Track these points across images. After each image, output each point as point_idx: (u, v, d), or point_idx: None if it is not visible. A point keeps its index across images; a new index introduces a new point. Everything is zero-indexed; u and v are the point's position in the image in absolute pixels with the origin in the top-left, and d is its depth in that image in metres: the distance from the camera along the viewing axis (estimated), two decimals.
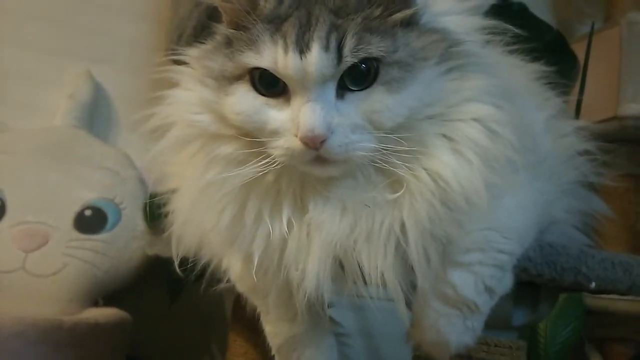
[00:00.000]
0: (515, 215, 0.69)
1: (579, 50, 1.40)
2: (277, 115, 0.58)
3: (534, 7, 1.44)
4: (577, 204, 0.85)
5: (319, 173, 0.59)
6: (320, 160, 0.57)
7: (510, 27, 0.69)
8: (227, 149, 0.62)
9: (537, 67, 0.83)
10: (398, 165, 0.58)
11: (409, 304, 0.66)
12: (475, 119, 0.60)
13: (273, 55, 0.56)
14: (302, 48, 0.55)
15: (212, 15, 0.64)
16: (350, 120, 0.56)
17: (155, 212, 1.26)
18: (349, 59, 0.55)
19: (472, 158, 0.59)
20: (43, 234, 1.28)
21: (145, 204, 1.36)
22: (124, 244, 1.33)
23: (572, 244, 0.81)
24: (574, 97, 1.28)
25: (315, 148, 0.55)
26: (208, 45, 0.64)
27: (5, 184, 1.32)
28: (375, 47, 0.55)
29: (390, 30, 0.56)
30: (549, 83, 0.85)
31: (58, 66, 1.54)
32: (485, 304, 0.68)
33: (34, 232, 1.28)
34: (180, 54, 0.68)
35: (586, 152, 0.85)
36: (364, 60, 0.55)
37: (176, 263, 0.74)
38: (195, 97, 0.65)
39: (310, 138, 0.55)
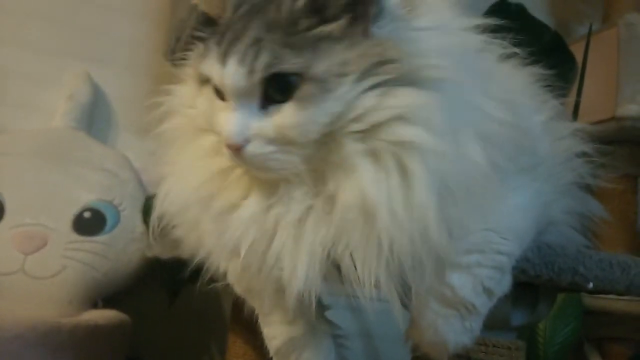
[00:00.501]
0: (514, 217, 0.69)
1: (577, 51, 1.41)
2: (220, 118, 0.61)
3: (532, 8, 1.45)
4: (575, 205, 0.85)
5: (255, 175, 0.62)
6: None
7: (505, 40, 0.69)
8: (209, 139, 0.65)
9: (535, 70, 0.83)
10: (327, 180, 0.60)
11: (404, 304, 0.66)
12: (398, 141, 0.57)
13: (210, 64, 0.60)
14: (224, 60, 0.58)
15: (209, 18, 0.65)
16: (265, 132, 0.58)
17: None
18: (258, 74, 0.56)
19: (393, 178, 0.58)
20: (42, 236, 1.28)
21: (144, 205, 1.36)
22: (123, 245, 1.33)
23: (570, 245, 0.82)
24: (572, 98, 1.28)
25: (237, 154, 0.59)
26: (199, 47, 0.65)
27: (3, 186, 1.32)
28: (289, 62, 0.56)
29: (312, 44, 0.56)
30: (547, 86, 0.85)
31: (57, 67, 1.54)
32: (484, 305, 0.67)
33: (32, 234, 1.28)
34: (182, 55, 0.69)
35: (584, 154, 0.85)
36: (280, 74, 0.56)
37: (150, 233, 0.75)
38: (189, 93, 0.68)
39: (227, 145, 0.58)
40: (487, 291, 0.67)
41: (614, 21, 1.58)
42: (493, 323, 0.70)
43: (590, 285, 0.77)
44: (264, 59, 0.56)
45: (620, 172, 1.46)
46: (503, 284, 0.69)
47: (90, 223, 1.32)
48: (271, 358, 0.79)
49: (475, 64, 0.63)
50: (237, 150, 0.58)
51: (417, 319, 0.68)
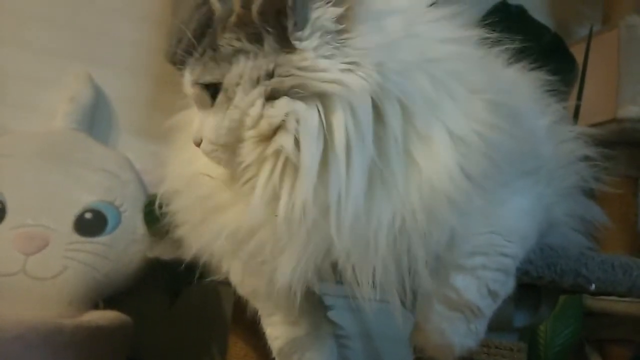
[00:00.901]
0: (517, 219, 0.69)
1: (578, 52, 1.41)
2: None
3: (532, 9, 1.45)
4: (577, 208, 0.86)
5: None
6: None
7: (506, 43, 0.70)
8: None
9: (539, 75, 0.84)
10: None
11: (404, 305, 0.66)
12: (280, 150, 0.60)
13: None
14: (184, 73, 0.66)
15: (211, 19, 0.65)
16: (205, 133, 0.65)
17: (155, 215, 1.26)
18: (196, 84, 0.64)
19: (282, 187, 0.60)
20: (43, 236, 1.28)
21: (145, 206, 1.36)
22: (124, 246, 1.33)
23: (572, 247, 0.82)
24: (572, 102, 1.28)
25: None
26: None
27: (5, 187, 1.32)
28: (210, 74, 0.63)
29: (230, 57, 0.61)
30: (550, 90, 0.85)
31: (58, 68, 1.54)
32: (489, 307, 0.68)
33: (34, 235, 1.28)
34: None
35: (586, 158, 0.85)
36: (209, 84, 0.63)
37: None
38: None
39: (194, 143, 0.66)
40: (492, 293, 0.67)
41: (615, 23, 1.58)
42: (495, 324, 0.70)
43: (593, 287, 0.77)
44: (196, 71, 0.64)
45: (621, 173, 1.46)
46: (507, 286, 0.69)
47: (91, 224, 1.32)
48: (273, 359, 0.79)
49: (444, 73, 0.62)
50: (198, 146, 0.65)
51: (422, 322, 0.68)
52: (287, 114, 0.59)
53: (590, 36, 1.46)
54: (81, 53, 1.57)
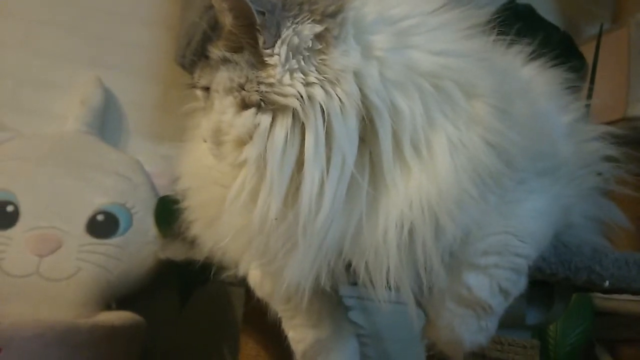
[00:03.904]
0: (533, 220, 0.69)
1: (587, 51, 1.41)
2: None
3: (540, 8, 1.45)
4: (595, 211, 0.85)
5: None
6: None
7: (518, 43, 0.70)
8: None
9: (558, 72, 0.83)
10: None
11: (419, 303, 0.66)
12: (247, 158, 0.61)
13: None
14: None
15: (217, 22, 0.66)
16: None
17: (167, 216, 1.27)
18: (197, 87, 0.68)
19: (245, 190, 0.62)
20: (56, 238, 1.29)
21: (156, 208, 1.37)
22: (136, 248, 1.34)
23: (586, 244, 0.81)
24: (582, 101, 1.27)
25: None
26: None
27: (18, 190, 1.33)
28: (203, 79, 0.66)
29: (217, 65, 0.64)
30: (570, 87, 0.85)
31: (69, 72, 1.56)
32: (500, 305, 0.68)
33: (47, 237, 1.29)
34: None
35: (609, 158, 0.85)
36: (205, 88, 0.66)
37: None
38: None
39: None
40: (504, 292, 0.67)
41: (624, 21, 1.57)
42: (508, 321, 0.70)
43: (607, 283, 0.77)
44: (197, 75, 0.68)
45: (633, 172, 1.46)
46: (519, 285, 0.69)
47: (103, 226, 1.33)
48: None
49: (433, 86, 0.62)
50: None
51: (434, 318, 0.68)
52: (253, 126, 0.60)
53: (600, 35, 1.46)
54: (91, 57, 1.59)
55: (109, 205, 1.36)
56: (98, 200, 1.36)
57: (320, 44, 0.59)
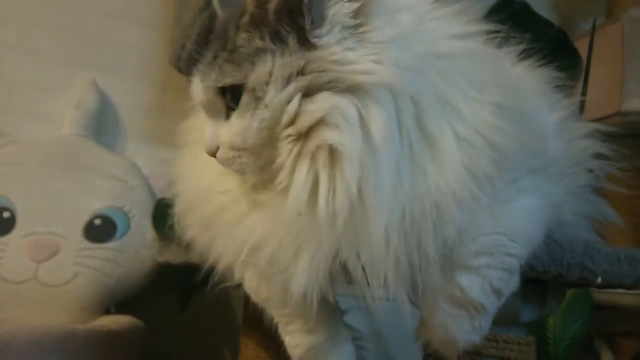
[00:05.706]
0: (523, 219, 0.69)
1: (582, 47, 1.41)
2: (204, 130, 0.67)
3: (535, 4, 1.44)
4: (586, 209, 0.85)
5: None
6: None
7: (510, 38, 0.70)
8: None
9: (547, 72, 0.84)
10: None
11: (413, 302, 0.67)
12: (322, 144, 0.59)
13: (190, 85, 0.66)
14: (192, 80, 0.65)
15: (214, 23, 0.65)
16: (222, 140, 0.64)
17: (164, 219, 1.27)
18: (211, 89, 0.63)
19: (323, 179, 0.60)
20: (53, 244, 1.29)
21: (154, 211, 1.37)
22: (134, 251, 1.34)
23: (578, 241, 0.82)
24: (577, 96, 1.27)
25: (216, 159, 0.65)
26: None
27: (14, 195, 1.33)
28: (230, 76, 0.61)
29: (250, 58, 0.60)
30: (560, 86, 0.85)
31: (64, 75, 1.56)
32: (493, 304, 0.68)
33: (44, 243, 1.29)
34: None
35: (599, 156, 0.85)
36: (229, 87, 0.62)
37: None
38: None
39: (207, 153, 0.65)
40: (496, 291, 0.68)
41: (618, 16, 1.58)
42: (503, 319, 0.70)
43: (599, 280, 0.77)
44: (213, 75, 0.62)
45: (626, 167, 1.46)
46: (511, 284, 0.70)
47: (101, 230, 1.33)
48: None
49: (453, 70, 0.63)
50: (213, 156, 0.64)
51: (428, 318, 0.69)
52: (329, 108, 0.58)
53: (593, 30, 1.46)
54: (86, 60, 1.59)
55: (106, 209, 1.36)
56: (95, 204, 1.35)
57: (359, 20, 0.59)
